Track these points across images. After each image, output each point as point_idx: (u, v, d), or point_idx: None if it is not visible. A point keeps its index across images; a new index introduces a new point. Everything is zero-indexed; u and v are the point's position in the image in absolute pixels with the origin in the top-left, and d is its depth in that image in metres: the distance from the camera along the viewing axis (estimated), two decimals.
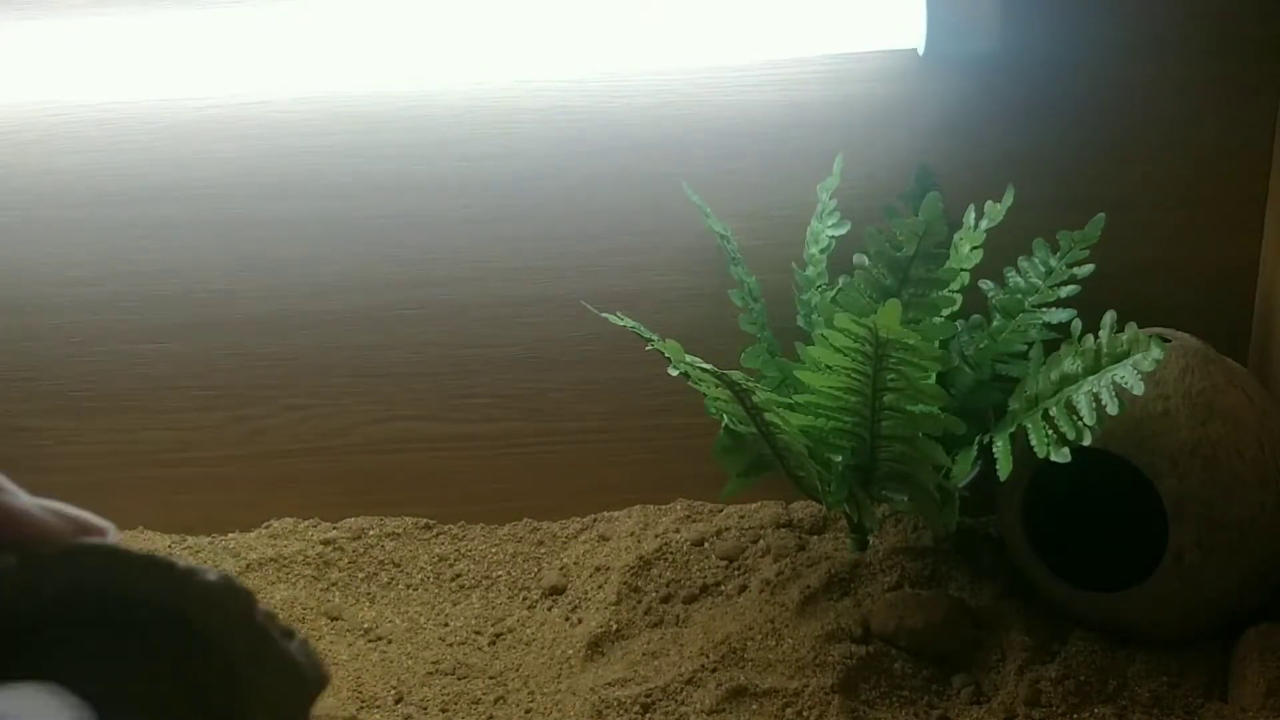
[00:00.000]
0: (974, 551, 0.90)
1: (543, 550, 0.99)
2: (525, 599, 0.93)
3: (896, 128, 0.92)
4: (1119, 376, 0.72)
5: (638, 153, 0.94)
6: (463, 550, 0.99)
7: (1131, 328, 0.75)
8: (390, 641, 0.90)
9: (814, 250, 0.90)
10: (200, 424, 1.02)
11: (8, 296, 0.99)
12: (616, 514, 1.01)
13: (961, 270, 0.85)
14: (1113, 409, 0.72)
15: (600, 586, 0.92)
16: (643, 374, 0.98)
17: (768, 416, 0.77)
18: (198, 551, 0.99)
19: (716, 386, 0.77)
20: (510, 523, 1.02)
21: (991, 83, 0.91)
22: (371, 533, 1.00)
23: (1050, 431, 0.75)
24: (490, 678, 0.85)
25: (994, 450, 0.77)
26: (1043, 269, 0.87)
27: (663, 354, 0.77)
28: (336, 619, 0.92)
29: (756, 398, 0.75)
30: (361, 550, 0.99)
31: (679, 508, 1.00)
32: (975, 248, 0.86)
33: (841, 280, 0.88)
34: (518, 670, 0.85)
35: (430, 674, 0.85)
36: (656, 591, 0.90)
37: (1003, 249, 0.88)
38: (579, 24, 0.87)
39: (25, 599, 0.38)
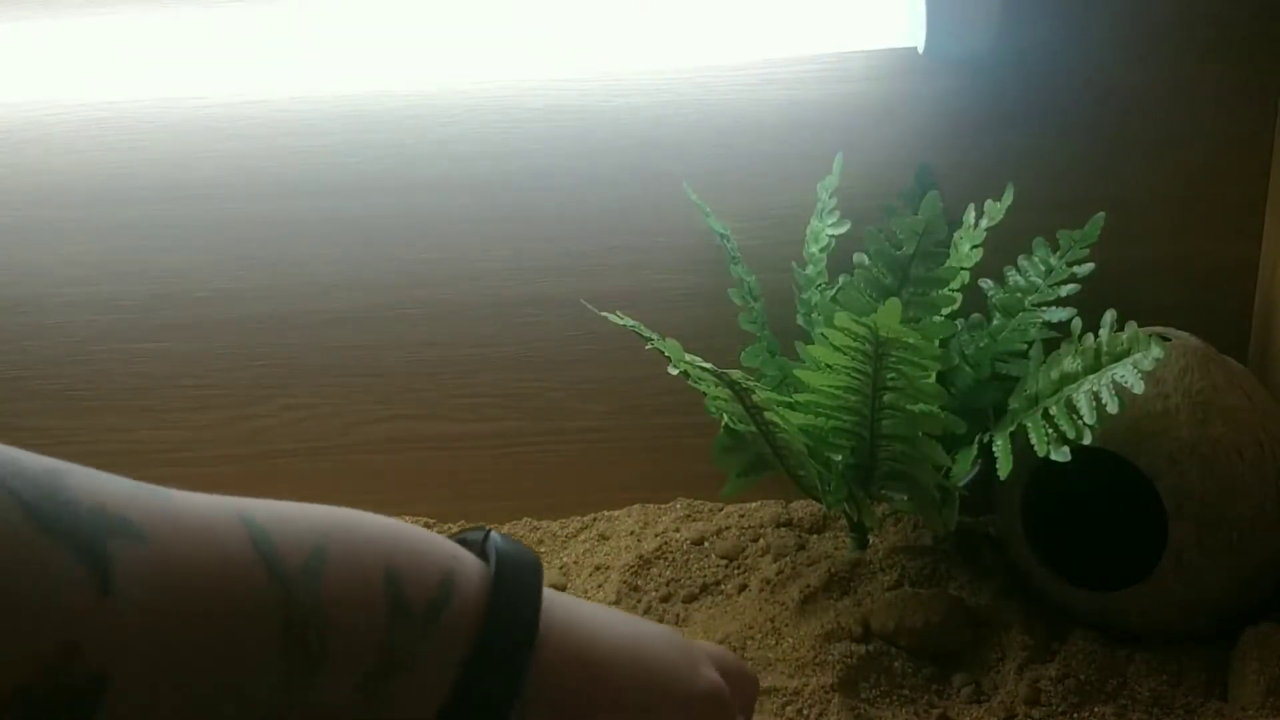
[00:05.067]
0: (974, 551, 0.90)
1: (542, 549, 0.99)
2: None
3: (896, 127, 0.92)
4: (1119, 375, 0.72)
5: (637, 152, 0.94)
6: None
7: (1131, 327, 0.75)
8: None
9: (814, 249, 0.90)
10: (200, 424, 1.02)
11: (8, 296, 0.99)
12: (616, 513, 1.01)
13: (961, 269, 0.85)
14: (1113, 408, 0.72)
15: (600, 585, 0.92)
16: (643, 373, 0.98)
17: (767, 415, 0.77)
18: None
19: (716, 385, 0.77)
20: (510, 522, 1.02)
21: (992, 81, 0.91)
22: None
23: (1050, 430, 0.75)
24: None
25: (994, 449, 0.77)
26: (1043, 268, 0.87)
27: (662, 353, 0.77)
28: None
29: (756, 397, 0.75)
30: None
31: (679, 507, 1.00)
32: (975, 246, 0.86)
33: (841, 279, 0.88)
34: None
35: None
36: (656, 590, 0.90)
37: (1003, 248, 0.88)
38: (579, 24, 0.87)
39: None
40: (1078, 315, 0.81)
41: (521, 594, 0.44)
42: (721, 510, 0.99)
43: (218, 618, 0.36)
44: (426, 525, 1.01)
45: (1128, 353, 0.73)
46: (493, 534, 0.46)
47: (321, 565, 0.39)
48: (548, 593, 0.45)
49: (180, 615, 0.35)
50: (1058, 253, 0.86)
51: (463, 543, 0.46)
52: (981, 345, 0.87)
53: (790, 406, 0.79)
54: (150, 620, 0.35)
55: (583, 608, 0.48)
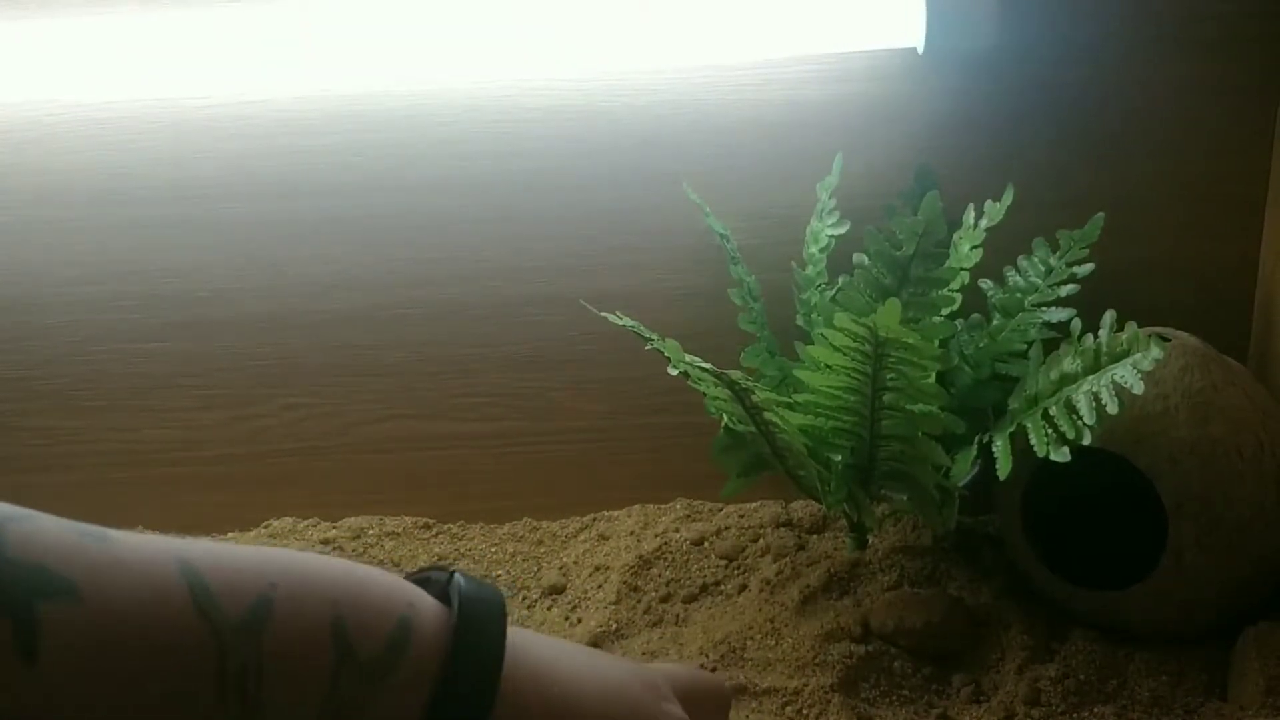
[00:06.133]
0: (973, 551, 0.90)
1: (542, 549, 0.99)
2: (525, 598, 0.93)
3: (896, 126, 0.92)
4: (1119, 376, 0.72)
5: (637, 152, 0.94)
6: (462, 550, 0.99)
7: (1131, 327, 0.75)
8: None
9: (813, 249, 0.90)
10: (200, 423, 1.02)
11: (8, 296, 0.99)
12: (616, 513, 1.01)
13: (961, 269, 0.85)
14: (1112, 408, 0.72)
15: (600, 586, 0.92)
16: (642, 373, 0.98)
17: (767, 416, 0.77)
18: None
19: (716, 386, 0.77)
20: (510, 522, 1.02)
21: (991, 81, 0.91)
22: (371, 532, 1.00)
23: (1050, 431, 0.75)
24: None
25: (993, 449, 0.77)
26: (1042, 268, 0.87)
27: (662, 353, 0.77)
28: None
29: (756, 397, 0.75)
30: (361, 550, 0.99)
31: (679, 507, 1.00)
32: (975, 247, 0.86)
33: (841, 279, 0.88)
34: None
35: None
36: (656, 591, 0.90)
37: (1002, 248, 0.88)
38: (578, 24, 0.87)
39: None
40: (1077, 315, 0.81)
41: (485, 638, 0.44)
42: (721, 510, 0.99)
43: (150, 674, 0.37)
44: (426, 525, 1.01)
45: (1127, 353, 0.73)
46: (456, 575, 0.46)
47: (264, 616, 0.39)
48: (512, 631, 0.45)
49: (111, 674, 0.36)
50: (1057, 253, 0.86)
51: (426, 582, 0.46)
52: (981, 345, 0.87)
53: (790, 407, 0.79)
54: (79, 681, 0.35)
55: (547, 646, 0.48)
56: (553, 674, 0.46)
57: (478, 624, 0.44)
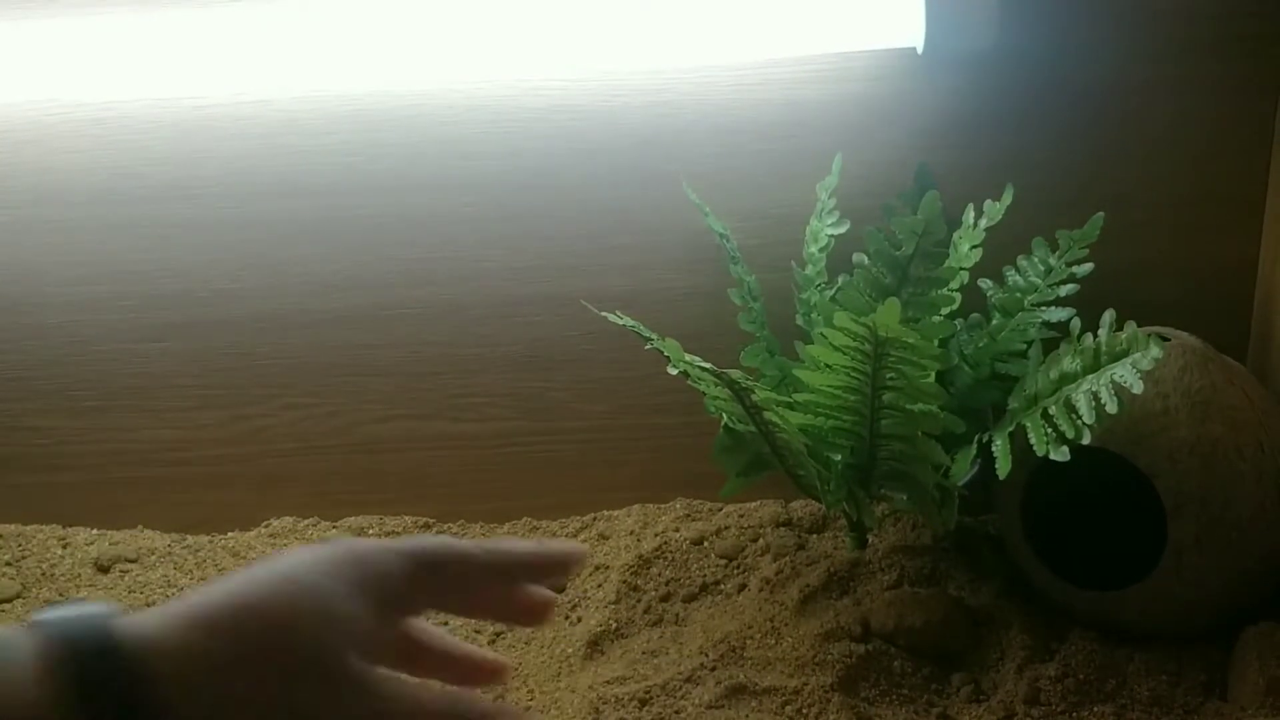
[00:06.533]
0: (973, 550, 0.90)
1: None
2: None
3: (895, 126, 0.92)
4: (1118, 375, 0.72)
5: (637, 152, 0.94)
6: None
7: (1130, 326, 0.75)
8: None
9: (813, 249, 0.90)
10: (200, 423, 1.02)
11: (8, 296, 0.99)
12: (616, 513, 1.01)
13: (960, 269, 0.85)
14: (1112, 407, 0.72)
15: (600, 585, 0.92)
16: (642, 373, 0.98)
17: (767, 415, 0.77)
18: (197, 550, 0.99)
19: (716, 385, 0.77)
20: (510, 522, 1.02)
21: (991, 81, 0.91)
22: (371, 532, 1.00)
23: (1049, 430, 0.75)
24: None
25: (993, 449, 0.77)
26: (1042, 268, 0.87)
27: (662, 353, 0.77)
28: None
29: (756, 396, 0.75)
30: None
31: (678, 506, 1.00)
32: (974, 246, 0.86)
33: (841, 279, 0.88)
34: (517, 669, 0.86)
35: None
36: (656, 590, 0.90)
37: (1002, 248, 0.88)
38: (578, 24, 0.88)
39: None
40: (1077, 315, 0.81)
41: (84, 620, 0.43)
42: (721, 510, 0.99)
43: None
44: (427, 525, 1.01)
45: (1126, 352, 0.73)
46: (44, 612, 0.45)
47: None
48: (133, 618, 0.43)
49: None
50: (1057, 253, 0.87)
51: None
52: (981, 345, 0.87)
53: (790, 406, 0.79)
54: None
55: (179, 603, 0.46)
56: (184, 616, 0.43)
57: (65, 615, 0.43)
